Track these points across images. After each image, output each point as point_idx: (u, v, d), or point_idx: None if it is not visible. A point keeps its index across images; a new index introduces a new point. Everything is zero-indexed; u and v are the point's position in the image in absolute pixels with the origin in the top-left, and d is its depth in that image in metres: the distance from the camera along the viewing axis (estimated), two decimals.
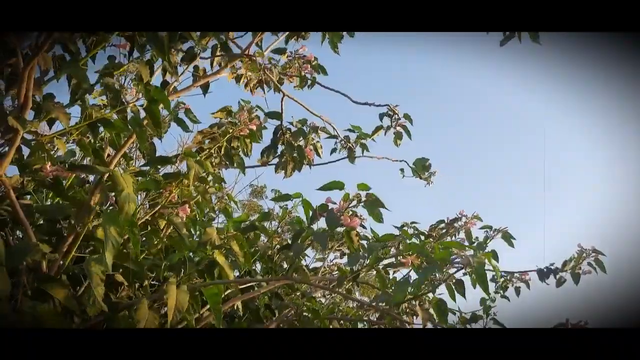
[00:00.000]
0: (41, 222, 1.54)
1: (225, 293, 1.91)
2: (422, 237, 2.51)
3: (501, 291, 2.72)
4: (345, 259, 2.69)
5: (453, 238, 2.58)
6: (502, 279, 2.71)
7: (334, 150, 2.62)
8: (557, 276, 2.53)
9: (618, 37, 1.58)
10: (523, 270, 2.70)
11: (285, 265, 2.50)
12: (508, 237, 2.56)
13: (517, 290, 2.68)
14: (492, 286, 2.70)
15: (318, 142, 2.43)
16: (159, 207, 1.66)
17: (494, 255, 1.81)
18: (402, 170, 2.96)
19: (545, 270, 2.58)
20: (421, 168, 2.85)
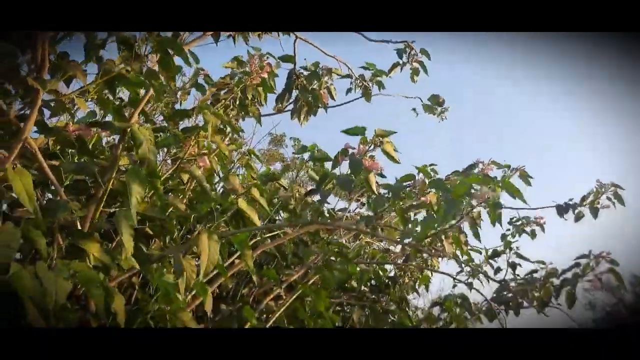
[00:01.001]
0: (69, 182, 1.57)
1: (252, 242, 1.96)
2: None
3: (517, 234, 2.73)
4: (364, 209, 2.73)
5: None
6: (519, 222, 2.71)
7: (349, 90, 2.58)
8: (576, 211, 2.54)
9: None
10: (542, 207, 2.70)
11: (306, 214, 2.53)
12: (525, 176, 2.55)
13: (533, 234, 2.68)
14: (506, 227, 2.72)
15: (332, 84, 2.39)
16: (180, 161, 1.69)
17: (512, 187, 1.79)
18: (414, 109, 2.92)
19: (564, 205, 2.59)
20: (435, 103, 2.81)
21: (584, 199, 2.52)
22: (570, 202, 2.57)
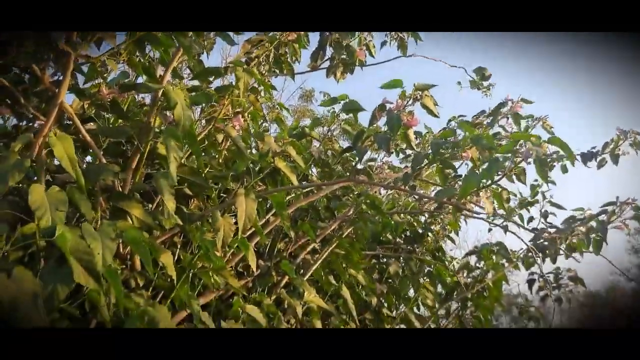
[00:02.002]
0: (106, 145, 1.59)
1: (287, 198, 1.97)
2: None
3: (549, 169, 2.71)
4: (392, 157, 2.69)
5: (498, 125, 2.50)
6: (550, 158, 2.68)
7: (384, 43, 2.47)
8: (599, 158, 2.57)
9: None
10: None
11: (338, 169, 2.52)
12: (548, 126, 2.50)
13: (564, 169, 2.67)
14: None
15: (370, 40, 2.28)
16: (215, 121, 1.68)
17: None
18: (459, 83, 2.79)
19: (587, 153, 2.62)
20: (481, 77, 2.67)
21: (605, 145, 2.55)
22: (594, 150, 2.59)
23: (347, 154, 2.35)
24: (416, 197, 2.65)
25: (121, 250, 1.46)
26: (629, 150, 2.52)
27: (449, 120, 2.55)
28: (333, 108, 2.57)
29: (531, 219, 2.76)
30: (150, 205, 1.56)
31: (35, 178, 1.25)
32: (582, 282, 3.03)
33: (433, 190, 2.68)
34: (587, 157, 2.60)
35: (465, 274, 2.99)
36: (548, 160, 2.56)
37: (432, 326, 3.03)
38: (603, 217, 2.34)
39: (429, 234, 2.93)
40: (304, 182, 1.97)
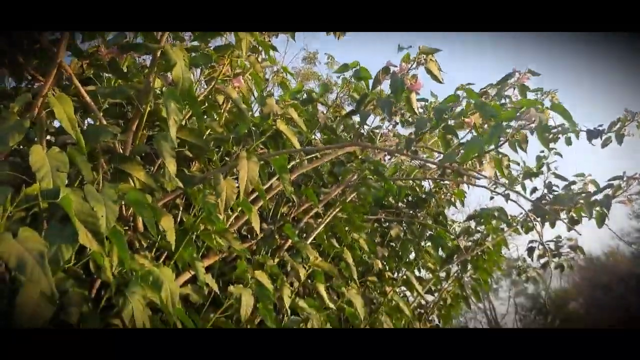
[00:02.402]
0: (106, 107, 1.57)
1: (290, 164, 1.96)
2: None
3: (553, 141, 2.70)
4: (398, 127, 2.67)
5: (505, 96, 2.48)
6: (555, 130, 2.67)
7: None
8: (604, 137, 2.56)
9: None
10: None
11: (344, 136, 2.50)
12: (556, 102, 2.48)
13: (568, 141, 2.66)
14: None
15: None
16: (215, 82, 1.65)
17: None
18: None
19: (594, 130, 2.61)
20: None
21: (611, 125, 2.52)
22: (600, 128, 2.58)
23: (352, 121, 2.33)
24: (419, 163, 2.64)
25: (124, 212, 1.47)
26: (635, 132, 2.50)
27: (457, 89, 2.53)
28: (344, 74, 2.54)
29: (534, 189, 2.76)
30: (151, 168, 1.56)
31: (36, 139, 1.25)
32: (582, 251, 3.06)
33: (437, 158, 2.67)
34: (593, 134, 2.59)
35: (465, 238, 3.01)
36: (552, 131, 2.56)
37: (432, 288, 3.08)
38: (608, 191, 2.35)
39: (433, 199, 2.94)
40: (307, 147, 1.96)
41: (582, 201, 2.36)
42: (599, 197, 2.33)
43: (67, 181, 1.15)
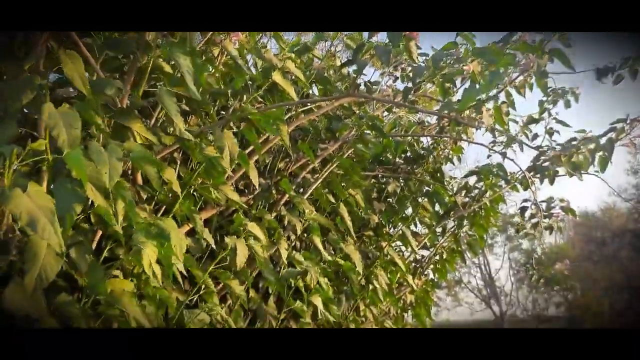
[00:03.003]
0: (102, 59, 1.55)
1: (287, 116, 1.96)
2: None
3: (553, 103, 2.67)
4: (398, 83, 2.65)
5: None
6: (552, 94, 2.63)
7: None
8: (615, 74, 2.43)
9: None
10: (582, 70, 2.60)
11: (340, 87, 2.48)
12: (566, 40, 2.41)
13: (567, 104, 2.62)
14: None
15: None
16: (212, 34, 1.63)
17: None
18: None
19: (603, 68, 2.48)
20: None
21: (625, 61, 2.40)
22: (610, 65, 2.44)
23: (349, 71, 2.31)
24: (417, 119, 2.63)
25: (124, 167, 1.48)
26: None
27: (457, 35, 2.49)
28: None
29: (535, 136, 2.75)
30: (148, 121, 1.56)
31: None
32: (573, 213, 3.08)
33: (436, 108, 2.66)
34: (602, 72, 2.45)
35: (463, 194, 3.04)
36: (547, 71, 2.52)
37: (428, 243, 3.13)
38: (611, 134, 2.30)
39: (431, 155, 2.95)
40: (304, 99, 1.95)
41: (586, 146, 2.30)
42: (602, 141, 2.27)
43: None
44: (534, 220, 3.03)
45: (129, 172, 1.50)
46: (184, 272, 1.48)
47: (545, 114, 2.65)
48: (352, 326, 2.48)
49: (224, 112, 1.87)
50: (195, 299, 1.64)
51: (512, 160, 2.55)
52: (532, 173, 2.63)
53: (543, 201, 3.09)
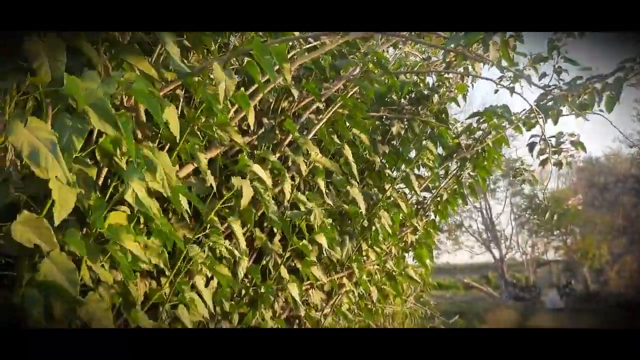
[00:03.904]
0: None
1: (290, 55, 1.92)
2: None
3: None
4: None
5: None
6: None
7: None
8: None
9: None
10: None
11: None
12: None
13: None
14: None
15: None
16: None
17: None
18: None
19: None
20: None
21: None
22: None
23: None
24: (423, 56, 2.57)
25: (125, 102, 1.47)
26: None
27: None
28: None
29: (543, 75, 2.69)
30: (149, 58, 1.53)
31: None
32: (583, 147, 3.05)
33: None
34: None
35: (467, 136, 3.02)
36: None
37: (430, 186, 3.15)
38: (619, 74, 2.25)
39: (435, 94, 2.91)
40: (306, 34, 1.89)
41: (594, 86, 2.26)
42: (610, 80, 2.23)
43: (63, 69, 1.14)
44: (543, 157, 3.00)
45: (132, 108, 1.49)
46: (189, 211, 1.50)
47: (555, 53, 2.58)
48: (355, 265, 2.53)
49: (225, 50, 1.83)
50: (200, 237, 1.66)
51: (520, 94, 2.51)
52: (537, 112, 2.60)
53: (552, 136, 3.06)
